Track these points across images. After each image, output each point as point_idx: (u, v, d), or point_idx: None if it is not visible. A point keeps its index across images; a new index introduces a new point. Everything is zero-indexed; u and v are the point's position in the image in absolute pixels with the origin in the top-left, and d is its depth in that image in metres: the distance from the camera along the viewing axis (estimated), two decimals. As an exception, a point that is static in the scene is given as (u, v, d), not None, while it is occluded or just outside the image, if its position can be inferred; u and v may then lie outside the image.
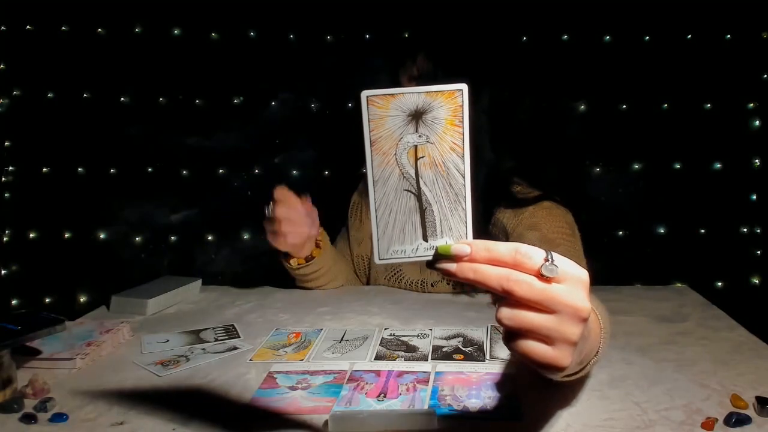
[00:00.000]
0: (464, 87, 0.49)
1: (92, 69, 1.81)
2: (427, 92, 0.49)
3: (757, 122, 1.74)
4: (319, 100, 1.83)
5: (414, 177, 0.51)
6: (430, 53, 1.12)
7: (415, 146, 0.50)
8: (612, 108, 1.77)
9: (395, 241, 0.52)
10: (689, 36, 1.73)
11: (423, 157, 0.51)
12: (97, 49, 1.80)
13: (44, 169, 1.85)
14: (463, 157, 0.51)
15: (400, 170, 0.51)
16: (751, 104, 1.74)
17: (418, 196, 0.51)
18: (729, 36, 1.72)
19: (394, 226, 0.52)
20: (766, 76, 1.73)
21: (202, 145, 1.84)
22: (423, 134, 0.50)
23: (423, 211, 0.51)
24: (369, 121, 0.50)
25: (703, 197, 1.78)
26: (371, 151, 0.50)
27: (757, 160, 1.75)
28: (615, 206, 1.80)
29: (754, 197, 1.76)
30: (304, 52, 1.80)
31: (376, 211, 0.52)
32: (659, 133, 1.76)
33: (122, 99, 1.82)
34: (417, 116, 0.50)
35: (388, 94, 0.49)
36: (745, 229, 1.77)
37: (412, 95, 0.49)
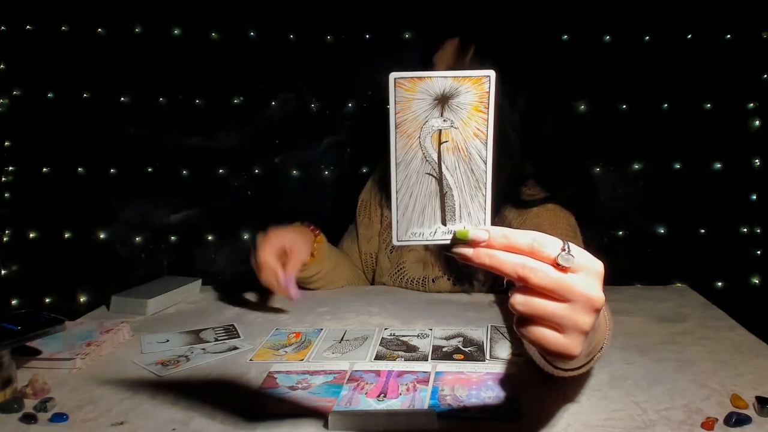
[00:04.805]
0: (492, 73, 0.49)
1: (92, 69, 1.81)
2: (454, 77, 0.49)
3: (757, 122, 1.74)
4: (319, 100, 1.83)
5: (436, 161, 0.51)
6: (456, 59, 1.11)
7: (440, 130, 0.50)
8: (612, 108, 1.77)
9: (414, 223, 0.52)
10: (689, 36, 1.73)
11: (446, 141, 0.50)
12: (97, 49, 1.80)
13: (44, 169, 1.85)
14: (486, 143, 0.50)
15: (423, 154, 0.51)
16: (751, 104, 1.74)
17: (440, 180, 0.51)
18: (729, 36, 1.72)
19: (414, 209, 0.52)
20: (766, 76, 1.73)
21: (202, 145, 1.84)
22: (448, 119, 0.50)
23: (443, 195, 0.51)
24: (395, 103, 0.49)
25: (703, 197, 1.78)
26: (396, 133, 0.50)
27: (757, 160, 1.75)
28: (615, 206, 1.80)
29: (754, 197, 1.76)
30: (304, 52, 1.80)
31: (396, 193, 0.51)
32: (659, 133, 1.76)
33: (122, 99, 1.82)
34: (443, 100, 0.50)
35: (416, 77, 0.49)
36: (745, 229, 1.77)
37: (439, 79, 0.49)
